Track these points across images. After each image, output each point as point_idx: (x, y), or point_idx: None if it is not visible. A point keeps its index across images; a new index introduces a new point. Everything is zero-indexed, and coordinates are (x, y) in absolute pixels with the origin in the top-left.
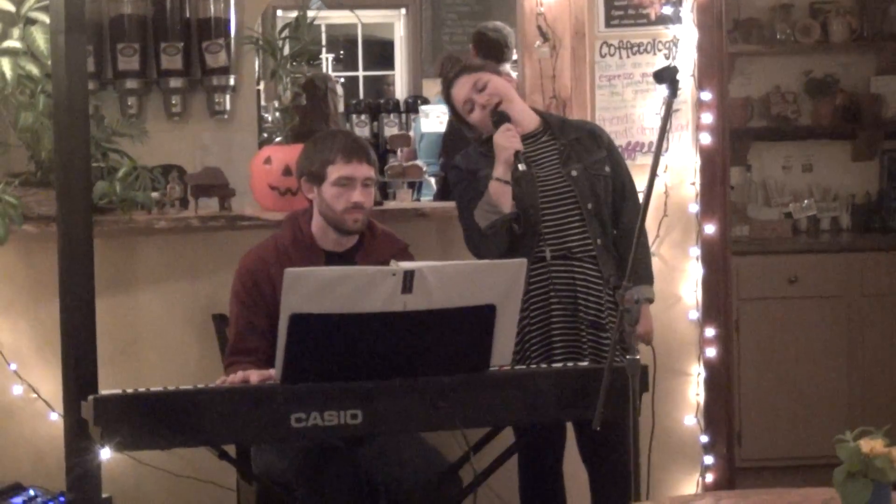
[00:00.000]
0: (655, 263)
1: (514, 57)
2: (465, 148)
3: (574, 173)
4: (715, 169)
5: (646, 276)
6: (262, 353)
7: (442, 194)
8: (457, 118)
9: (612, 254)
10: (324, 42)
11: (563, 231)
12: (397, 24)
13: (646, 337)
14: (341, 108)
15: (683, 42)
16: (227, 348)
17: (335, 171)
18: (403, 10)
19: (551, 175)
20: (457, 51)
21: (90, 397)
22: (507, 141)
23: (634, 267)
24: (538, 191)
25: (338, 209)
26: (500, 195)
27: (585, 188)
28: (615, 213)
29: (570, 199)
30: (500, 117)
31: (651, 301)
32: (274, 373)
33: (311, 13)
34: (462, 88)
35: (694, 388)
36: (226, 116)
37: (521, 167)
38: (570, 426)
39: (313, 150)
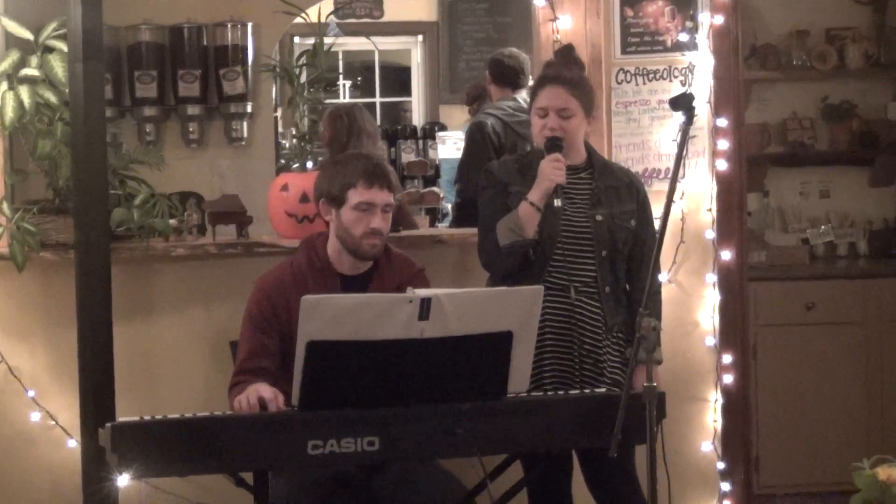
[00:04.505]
0: (672, 290)
1: (531, 83)
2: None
3: (599, 218)
4: (731, 195)
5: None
6: (269, 375)
7: (459, 221)
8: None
9: (623, 304)
10: (341, 69)
11: (570, 268)
12: (414, 51)
13: None
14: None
15: (699, 68)
16: (235, 367)
17: (356, 196)
18: (420, 37)
19: (576, 213)
20: (475, 77)
21: (108, 424)
22: (552, 172)
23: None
24: (560, 224)
25: (356, 234)
26: (528, 219)
27: (605, 235)
28: (631, 267)
29: (586, 241)
30: (553, 145)
31: (659, 363)
32: (282, 397)
33: (328, 40)
34: (551, 98)
35: (711, 415)
36: (243, 143)
37: (556, 202)
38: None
39: (334, 172)
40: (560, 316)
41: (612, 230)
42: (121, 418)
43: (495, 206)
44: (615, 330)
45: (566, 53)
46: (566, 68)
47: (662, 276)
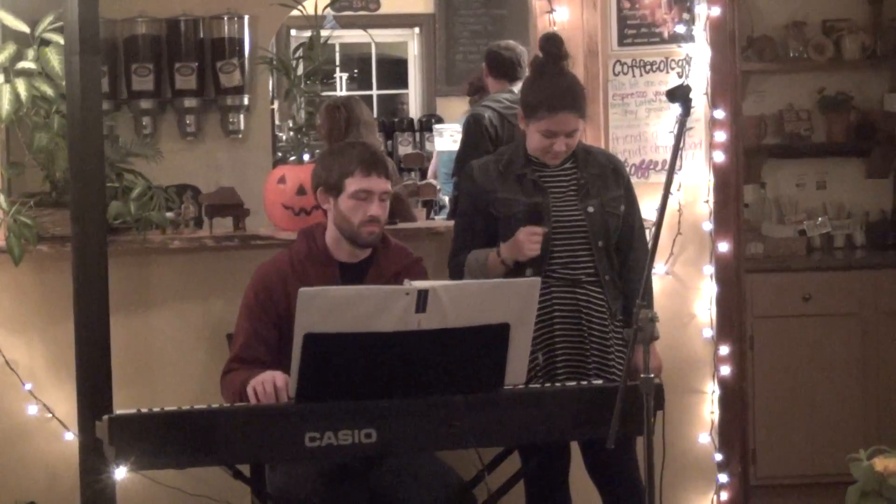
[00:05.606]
0: (669, 281)
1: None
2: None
3: (591, 209)
4: (729, 187)
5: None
6: (265, 365)
7: (455, 213)
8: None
9: (621, 290)
10: (338, 61)
11: (570, 263)
12: (411, 43)
13: (655, 372)
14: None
15: (696, 60)
16: (230, 354)
17: (353, 184)
18: (417, 29)
19: (566, 207)
20: (471, 70)
21: (105, 417)
22: (529, 247)
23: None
24: (552, 223)
25: (354, 222)
26: (496, 272)
27: (599, 225)
28: (622, 251)
29: (581, 234)
30: (535, 210)
31: (656, 339)
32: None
33: (324, 33)
34: (562, 124)
35: (708, 406)
36: (240, 136)
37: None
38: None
39: (331, 161)
40: (567, 308)
41: (605, 219)
42: (118, 411)
43: (468, 222)
44: (617, 316)
45: (556, 49)
46: (559, 70)
47: (659, 268)
